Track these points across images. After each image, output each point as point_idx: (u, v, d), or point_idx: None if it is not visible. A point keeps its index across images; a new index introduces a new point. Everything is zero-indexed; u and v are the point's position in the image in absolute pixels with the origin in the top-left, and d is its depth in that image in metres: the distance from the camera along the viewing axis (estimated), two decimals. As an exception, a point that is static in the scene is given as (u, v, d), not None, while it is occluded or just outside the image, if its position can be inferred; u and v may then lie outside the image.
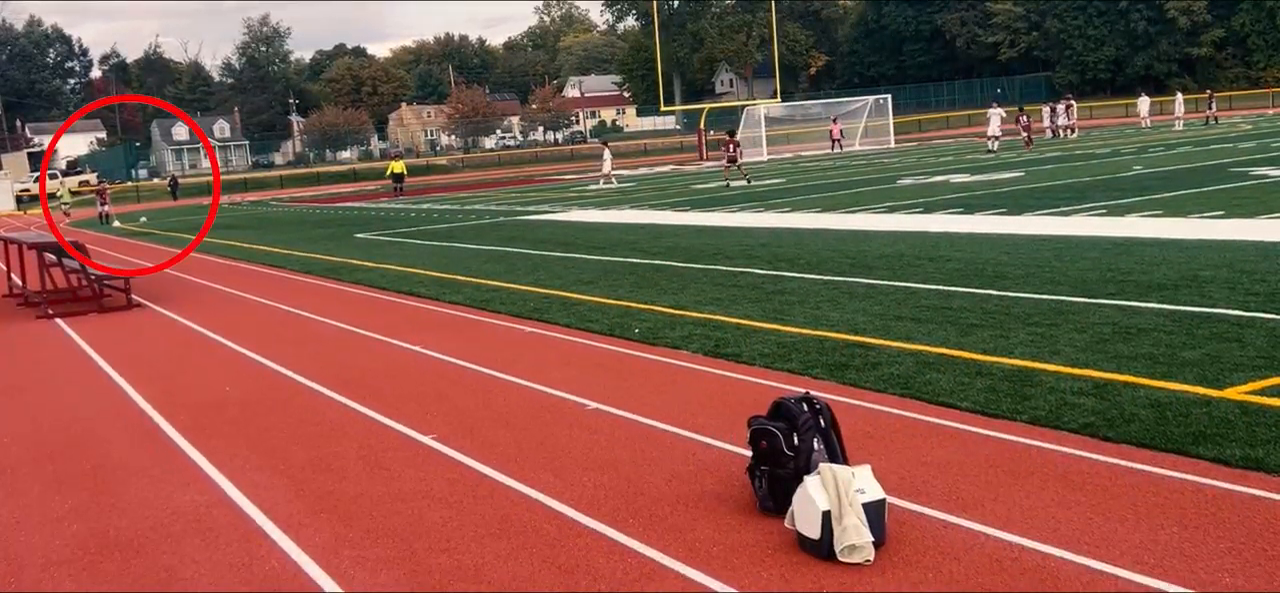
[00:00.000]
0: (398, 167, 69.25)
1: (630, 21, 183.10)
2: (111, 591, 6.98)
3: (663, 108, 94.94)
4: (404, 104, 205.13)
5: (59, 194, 68.23)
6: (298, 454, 9.84)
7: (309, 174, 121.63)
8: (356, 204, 57.57)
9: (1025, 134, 58.18)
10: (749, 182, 46.40)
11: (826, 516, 6.54)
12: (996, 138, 57.83)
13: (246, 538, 7.74)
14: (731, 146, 48.50)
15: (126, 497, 8.94)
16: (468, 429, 10.20)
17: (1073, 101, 75.60)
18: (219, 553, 7.48)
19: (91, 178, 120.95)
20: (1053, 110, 71.65)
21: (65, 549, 7.81)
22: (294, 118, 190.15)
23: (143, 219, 58.77)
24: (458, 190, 65.87)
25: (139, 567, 7.34)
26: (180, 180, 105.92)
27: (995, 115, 59.29)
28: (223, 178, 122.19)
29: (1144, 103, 78.76)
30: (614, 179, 57.48)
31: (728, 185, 45.88)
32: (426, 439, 9.98)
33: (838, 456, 7.41)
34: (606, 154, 58.54)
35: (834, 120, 78.45)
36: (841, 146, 76.27)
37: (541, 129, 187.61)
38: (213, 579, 7.02)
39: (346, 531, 7.70)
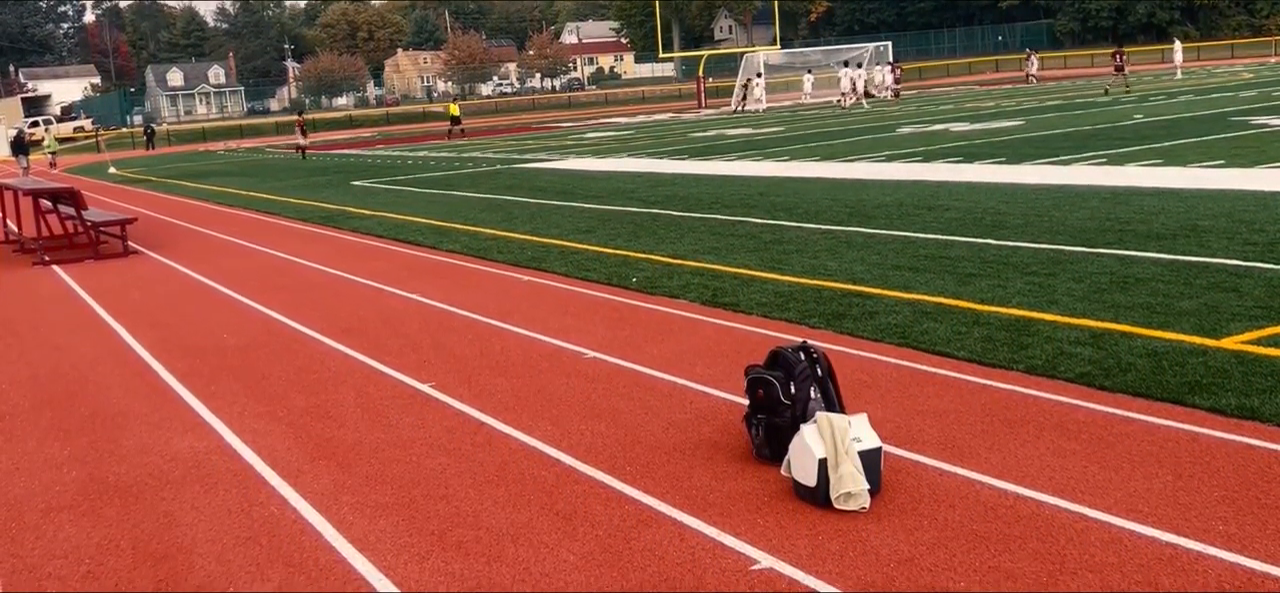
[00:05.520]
0: (454, 109, 70.02)
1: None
2: (111, 536, 7.05)
3: (661, 55, 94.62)
4: (400, 50, 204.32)
5: (45, 142, 67.04)
6: (296, 401, 9.91)
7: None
8: (352, 151, 57.47)
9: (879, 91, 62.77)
10: (1129, 89, 52.26)
11: (823, 463, 6.60)
12: (846, 95, 64.92)
13: (245, 484, 7.81)
14: (1119, 56, 54.89)
15: (125, 443, 9.01)
16: (466, 377, 10.27)
17: (899, 66, 76.70)
18: (218, 499, 7.55)
19: (86, 124, 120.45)
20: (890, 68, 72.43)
21: (64, 495, 7.88)
22: (289, 64, 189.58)
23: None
24: (454, 137, 65.75)
25: (138, 512, 7.41)
26: (158, 128, 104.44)
27: (845, 76, 66.06)
28: (218, 124, 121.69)
29: (1032, 61, 79.75)
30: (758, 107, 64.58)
31: (1128, 88, 52.46)
32: (424, 387, 10.04)
33: (834, 404, 7.47)
34: (760, 82, 65.99)
35: (894, 65, 76.04)
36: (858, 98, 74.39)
37: (539, 76, 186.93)
38: (212, 525, 7.09)
39: (345, 477, 7.77)
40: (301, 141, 55.96)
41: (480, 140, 59.38)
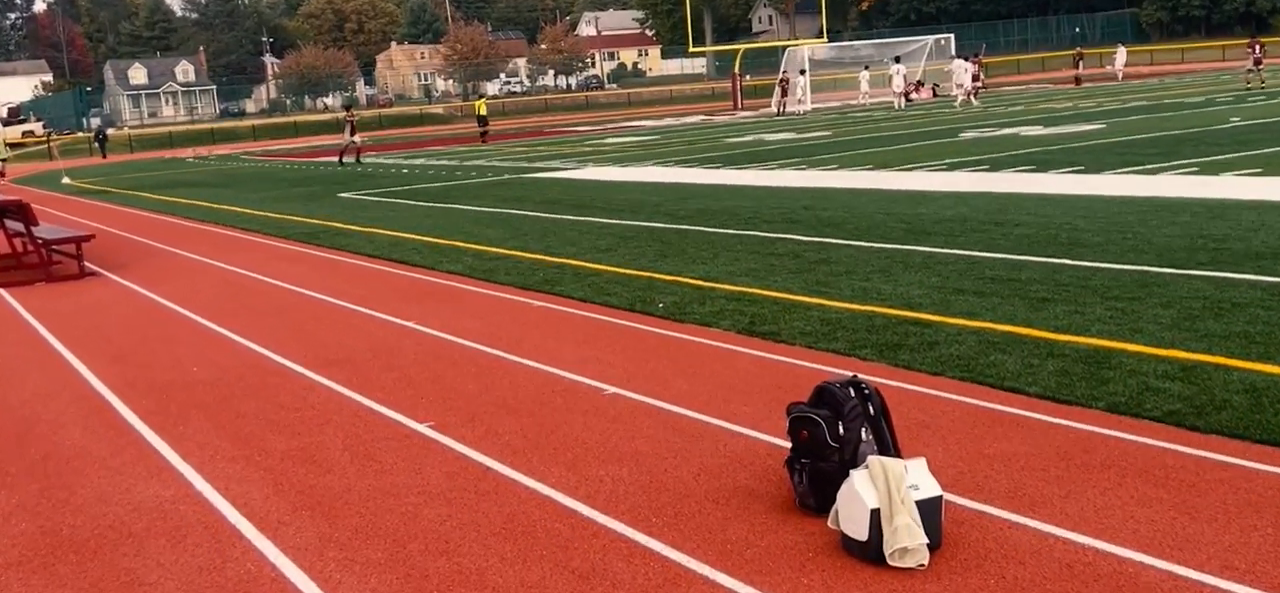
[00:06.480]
0: (481, 107, 69.68)
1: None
2: (68, 596, 7.09)
3: (691, 49, 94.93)
4: (394, 43, 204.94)
5: None
6: (276, 444, 9.94)
7: (285, 124, 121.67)
8: (340, 159, 57.57)
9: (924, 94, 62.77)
10: (1262, 83, 55.71)
11: (875, 514, 6.61)
12: (962, 88, 64.17)
13: (218, 538, 7.83)
14: (1257, 46, 59.93)
15: (82, 491, 9.04)
16: (469, 416, 10.29)
17: (980, 59, 74.96)
18: (187, 555, 7.57)
19: (36, 127, 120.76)
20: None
21: (12, 551, 7.90)
22: (268, 59, 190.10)
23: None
24: (456, 143, 65.93)
25: (97, 570, 7.44)
26: (113, 132, 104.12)
27: (962, 67, 65.37)
28: (187, 128, 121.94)
29: (1119, 55, 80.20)
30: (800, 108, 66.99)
31: (1262, 82, 56.18)
32: (422, 428, 10.07)
33: (889, 447, 7.47)
34: (803, 81, 68.78)
35: (971, 57, 71.93)
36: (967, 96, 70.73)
37: (552, 73, 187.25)
38: (180, 584, 7.12)
39: (332, 530, 7.79)
40: (355, 140, 53.54)
41: (486, 146, 59.50)
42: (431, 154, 55.62)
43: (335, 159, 55.02)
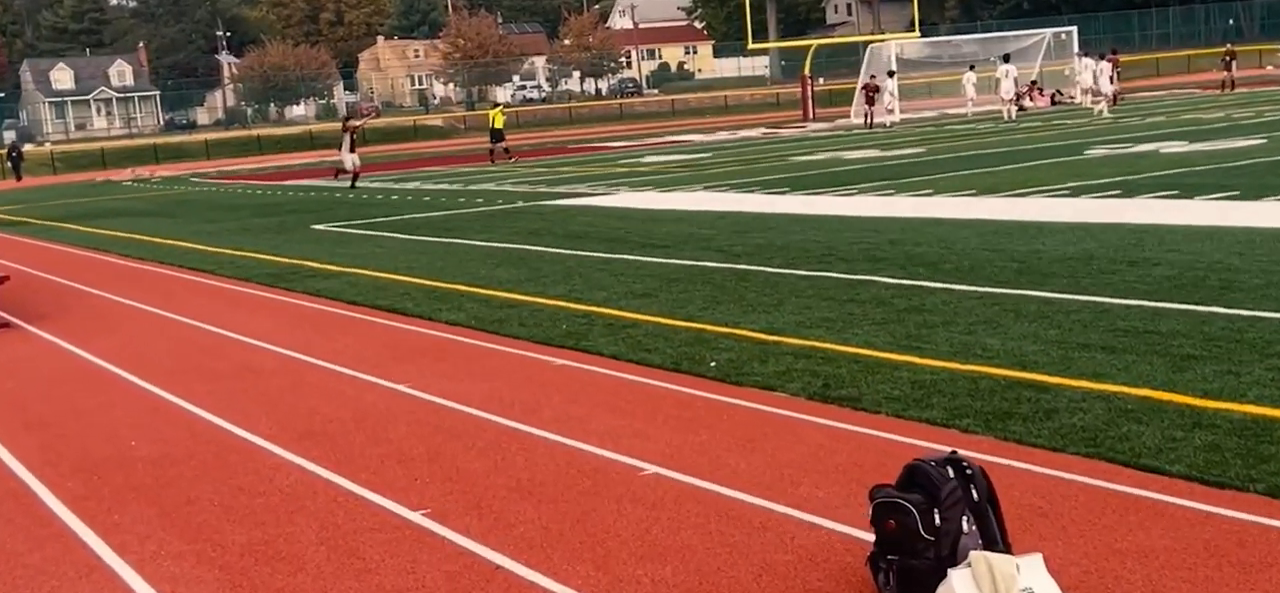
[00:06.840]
0: (498, 119, 68.67)
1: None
2: None
3: (751, 45, 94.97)
4: (381, 38, 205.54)
5: None
6: (234, 536, 9.96)
7: (246, 138, 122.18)
8: (314, 181, 57.75)
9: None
10: None
11: (979, 624, 6.62)
12: (1098, 93, 63.37)
13: (164, 651, 7.86)
14: None
15: (-4, 593, 9.09)
16: (473, 502, 10.30)
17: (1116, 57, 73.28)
18: (126, 672, 7.61)
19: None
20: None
21: (-88, 667, 7.96)
22: (224, 58, 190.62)
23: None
24: (458, 162, 66.09)
25: (15, 691, 7.49)
26: (27, 147, 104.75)
27: (1090, 67, 64.91)
28: (124, 143, 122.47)
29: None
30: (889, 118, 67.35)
31: None
32: (416, 516, 10.09)
33: (996, 540, 7.48)
34: (891, 84, 68.97)
35: (1108, 55, 71.62)
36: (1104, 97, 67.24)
37: (577, 76, 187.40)
38: (118, 708, 7.15)
39: (304, 642, 7.82)
40: (354, 158, 51.94)
41: (496, 166, 59.57)
42: (428, 176, 55.75)
43: (308, 181, 54.97)
